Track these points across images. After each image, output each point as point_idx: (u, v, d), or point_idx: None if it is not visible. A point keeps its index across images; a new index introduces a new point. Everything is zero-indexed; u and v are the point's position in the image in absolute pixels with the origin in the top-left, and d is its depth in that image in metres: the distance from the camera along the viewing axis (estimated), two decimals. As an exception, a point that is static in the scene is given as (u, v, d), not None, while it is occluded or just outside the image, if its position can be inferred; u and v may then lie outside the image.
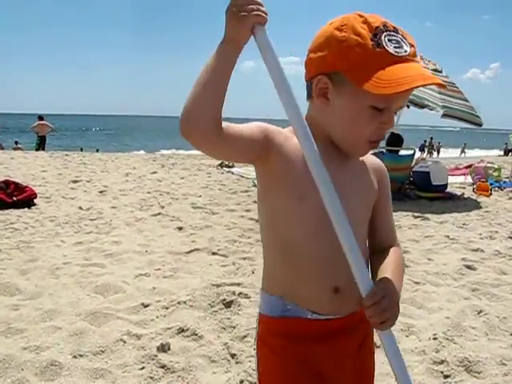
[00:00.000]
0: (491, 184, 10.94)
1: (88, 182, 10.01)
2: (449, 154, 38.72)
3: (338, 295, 1.36)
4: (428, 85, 1.25)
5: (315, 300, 1.37)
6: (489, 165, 12.73)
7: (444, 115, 9.48)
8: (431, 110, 9.72)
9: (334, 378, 1.42)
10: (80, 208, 7.36)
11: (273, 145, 1.31)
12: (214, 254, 5.19)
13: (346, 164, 1.39)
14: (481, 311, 3.80)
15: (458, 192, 10.23)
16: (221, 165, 13.33)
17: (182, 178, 10.83)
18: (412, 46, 1.25)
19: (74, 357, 3.00)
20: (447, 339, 3.28)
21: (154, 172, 11.90)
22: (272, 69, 1.22)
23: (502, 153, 37.11)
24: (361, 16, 1.26)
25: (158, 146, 31.66)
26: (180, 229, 6.23)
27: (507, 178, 12.22)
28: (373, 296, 1.21)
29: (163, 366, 2.92)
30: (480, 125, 10.36)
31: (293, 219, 1.34)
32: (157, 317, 3.59)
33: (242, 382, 2.79)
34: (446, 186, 9.70)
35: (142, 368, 2.91)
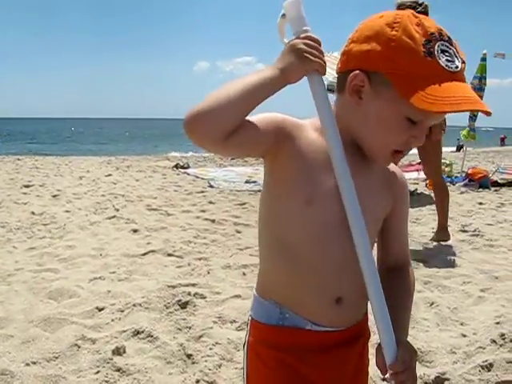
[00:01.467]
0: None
1: (41, 186, 9.82)
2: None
3: (340, 306, 1.29)
4: (474, 111, 1.18)
5: (316, 310, 1.29)
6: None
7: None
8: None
9: None
10: (32, 213, 7.21)
11: (285, 140, 1.22)
12: (169, 255, 5.17)
13: (364, 168, 1.30)
14: (433, 303, 3.90)
15: (412, 188, 10.43)
16: (176, 166, 13.29)
17: (137, 180, 10.74)
18: (463, 62, 1.17)
19: (27, 364, 2.95)
20: (399, 332, 3.35)
21: (109, 175, 11.76)
22: (323, 116, 1.20)
23: (454, 149, 38.05)
24: (415, 16, 1.16)
25: (112, 150, 31.26)
26: (135, 231, 6.19)
27: (458, 173, 12.54)
28: (395, 367, 1.19)
29: (118, 370, 2.90)
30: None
31: (298, 224, 1.25)
32: (112, 320, 3.56)
33: (197, 381, 2.79)
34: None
35: (97, 372, 2.88)
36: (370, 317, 1.36)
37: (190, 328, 3.39)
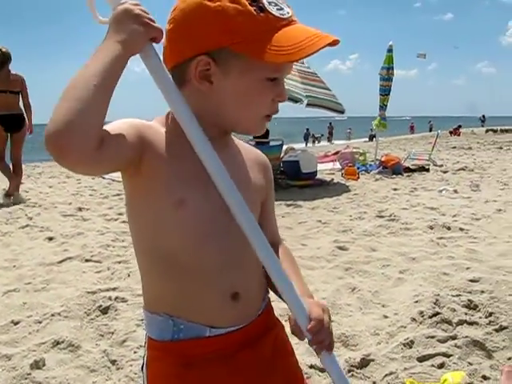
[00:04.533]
0: (358, 168, 11.55)
1: None
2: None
3: (238, 302, 1.20)
4: (330, 44, 1.09)
5: (212, 312, 1.19)
6: (355, 150, 13.44)
7: (308, 104, 9.84)
8: (296, 102, 10.04)
9: None
10: None
11: (146, 146, 1.12)
12: (87, 261, 4.99)
13: (230, 152, 1.26)
14: (354, 288, 3.99)
15: (328, 178, 10.69)
16: (91, 170, 12.91)
17: (51, 187, 10.31)
18: (288, 6, 1.14)
19: None
20: (323, 319, 3.39)
21: (20, 183, 11.22)
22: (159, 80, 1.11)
23: (367, 139, 39.37)
24: None
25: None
26: (50, 239, 5.93)
27: (372, 161, 12.95)
28: (311, 328, 1.14)
29: (38, 384, 2.76)
30: (342, 112, 10.90)
31: (173, 228, 1.15)
32: (29, 333, 3.38)
33: (124, 387, 2.71)
34: (315, 173, 10.10)
35: (15, 389, 2.73)
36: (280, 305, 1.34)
37: (112, 333, 3.27)
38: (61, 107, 0.96)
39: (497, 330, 3.10)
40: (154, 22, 1.08)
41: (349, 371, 2.70)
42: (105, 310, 3.61)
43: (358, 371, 2.73)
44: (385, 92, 13.19)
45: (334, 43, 1.10)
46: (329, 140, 43.92)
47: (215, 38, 1.09)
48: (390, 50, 12.96)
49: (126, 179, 1.18)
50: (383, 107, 13.36)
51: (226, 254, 1.19)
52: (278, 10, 1.10)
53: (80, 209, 7.73)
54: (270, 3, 1.10)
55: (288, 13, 1.12)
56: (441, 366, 2.75)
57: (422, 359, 2.84)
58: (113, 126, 1.08)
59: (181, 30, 1.13)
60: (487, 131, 35.37)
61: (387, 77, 13.07)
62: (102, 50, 1.03)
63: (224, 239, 1.18)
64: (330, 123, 46.80)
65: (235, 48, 1.09)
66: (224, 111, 1.17)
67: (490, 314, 3.30)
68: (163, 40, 1.14)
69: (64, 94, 0.98)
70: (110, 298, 3.77)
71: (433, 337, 3.04)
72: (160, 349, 1.20)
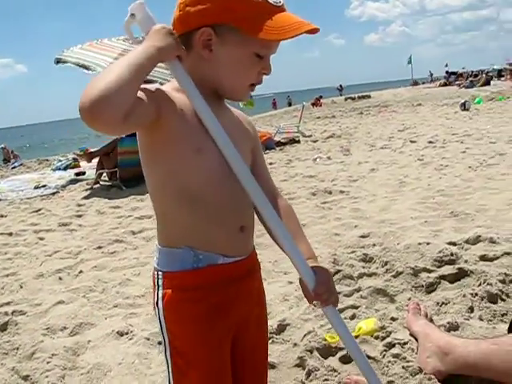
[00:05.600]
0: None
1: None
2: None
3: (243, 234, 1.45)
4: (311, 30, 1.33)
5: (225, 241, 1.42)
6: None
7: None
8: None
9: (246, 318, 1.51)
10: None
11: (162, 105, 1.32)
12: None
13: (225, 113, 1.49)
14: (255, 261, 4.04)
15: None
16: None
17: None
18: None
19: None
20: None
21: None
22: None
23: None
24: None
25: None
26: None
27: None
28: (318, 289, 1.41)
29: None
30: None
31: (193, 170, 1.36)
32: None
33: (41, 400, 2.57)
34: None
35: None
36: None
37: (17, 349, 3.05)
38: (99, 83, 1.14)
39: (394, 276, 3.31)
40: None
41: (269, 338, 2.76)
42: (3, 327, 3.36)
43: (278, 337, 2.79)
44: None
45: (315, 31, 1.34)
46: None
47: (219, 14, 1.32)
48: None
49: (145, 134, 1.37)
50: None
51: (237, 193, 1.41)
52: None
53: None
54: None
55: (280, 1, 1.35)
56: (352, 317, 2.89)
57: (333, 315, 2.96)
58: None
59: (190, 5, 1.35)
60: (346, 99, 37.12)
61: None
62: (141, 50, 1.25)
63: (235, 181, 1.39)
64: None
65: (234, 24, 1.32)
66: (219, 77, 1.40)
67: (386, 263, 3.51)
68: (174, 10, 1.40)
69: (104, 73, 1.18)
70: (6, 314, 3.53)
71: (339, 293, 3.15)
72: (178, 277, 1.40)
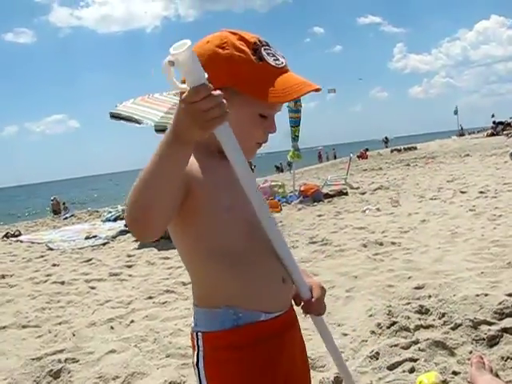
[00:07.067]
0: (279, 200, 11.69)
1: None
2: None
3: (285, 285, 1.42)
4: (313, 90, 1.36)
5: (267, 297, 1.39)
6: (273, 183, 13.64)
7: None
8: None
9: (290, 373, 1.45)
10: None
11: (187, 183, 1.29)
12: (24, 327, 4.70)
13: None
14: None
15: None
16: (6, 235, 12.31)
17: (-35, 259, 9.74)
18: (283, 57, 1.39)
19: None
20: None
21: None
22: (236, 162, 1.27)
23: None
24: (234, 33, 1.36)
25: None
26: (-23, 311, 5.57)
27: (291, 192, 13.17)
28: (311, 300, 1.44)
29: None
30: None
31: (225, 228, 1.36)
32: (-24, 413, 3.13)
33: None
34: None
35: None
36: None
37: (70, 397, 3.08)
38: (135, 199, 1.15)
39: (453, 329, 3.20)
40: (215, 116, 1.06)
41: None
42: (56, 374, 3.40)
43: (334, 390, 2.72)
44: (295, 123, 13.55)
45: (317, 90, 1.37)
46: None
47: (223, 79, 1.30)
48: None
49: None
50: (295, 138, 13.71)
51: (266, 243, 1.38)
52: (274, 60, 1.35)
53: (3, 276, 7.29)
54: (268, 54, 1.35)
55: (282, 63, 1.37)
56: (411, 370, 2.80)
57: (391, 367, 2.88)
58: None
59: None
60: (392, 151, 36.89)
61: (295, 109, 13.46)
62: (164, 136, 1.11)
63: (263, 231, 1.37)
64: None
65: (238, 88, 1.32)
66: None
67: (443, 315, 3.40)
68: None
69: (139, 187, 1.14)
70: (59, 361, 3.57)
71: (396, 345, 3.09)
72: (218, 337, 1.36)
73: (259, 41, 1.36)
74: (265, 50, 1.35)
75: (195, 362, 1.40)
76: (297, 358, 1.50)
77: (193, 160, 1.33)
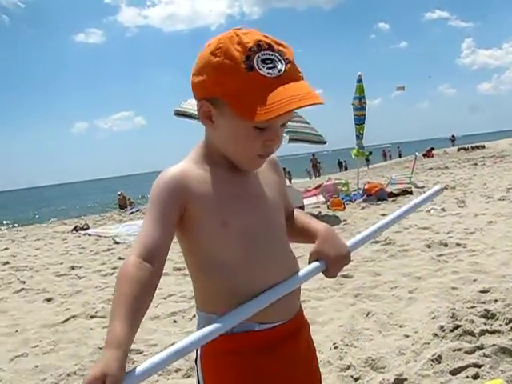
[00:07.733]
0: (343, 198, 11.61)
1: None
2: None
3: (281, 299, 1.33)
4: (304, 106, 1.20)
5: (263, 309, 1.31)
6: (337, 181, 13.55)
7: (291, 140, 9.87)
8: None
9: (290, 381, 1.40)
10: None
11: (183, 202, 1.29)
12: (92, 317, 4.91)
13: (248, 180, 1.40)
14: (369, 313, 3.97)
15: (315, 211, 10.72)
16: (75, 228, 12.79)
17: (38, 249, 10.16)
18: (289, 61, 1.23)
19: None
20: (347, 345, 3.38)
21: (5, 248, 10.99)
22: None
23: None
24: (237, 35, 1.23)
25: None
26: (49, 300, 5.82)
27: (355, 190, 13.05)
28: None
29: None
30: (324, 142, 10.96)
31: (222, 241, 1.32)
32: (47, 395, 3.28)
33: None
34: (302, 208, 10.12)
35: None
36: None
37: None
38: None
39: (521, 335, 3.10)
40: None
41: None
42: (122, 364, 3.51)
43: (394, 392, 2.69)
44: (360, 121, 13.40)
45: (313, 104, 1.23)
46: (316, 175, 36.39)
47: (211, 88, 1.25)
48: (359, 81, 13.23)
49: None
50: (360, 136, 13.55)
51: (267, 254, 1.35)
52: (268, 68, 1.20)
53: (73, 267, 7.62)
54: (263, 61, 1.20)
55: (280, 71, 1.21)
56: (475, 376, 2.74)
57: (454, 372, 2.82)
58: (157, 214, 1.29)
59: (194, 75, 1.30)
60: (459, 150, 35.92)
61: (360, 106, 13.31)
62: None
63: (266, 243, 1.36)
64: (313, 154, 41.00)
65: (225, 99, 1.23)
66: (224, 147, 1.34)
67: (510, 321, 3.30)
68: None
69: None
70: (124, 351, 3.68)
71: (459, 349, 3.02)
72: (215, 341, 1.26)
73: (258, 44, 1.21)
74: (261, 56, 1.20)
75: (194, 358, 1.43)
76: (299, 366, 1.43)
77: (194, 173, 1.33)
